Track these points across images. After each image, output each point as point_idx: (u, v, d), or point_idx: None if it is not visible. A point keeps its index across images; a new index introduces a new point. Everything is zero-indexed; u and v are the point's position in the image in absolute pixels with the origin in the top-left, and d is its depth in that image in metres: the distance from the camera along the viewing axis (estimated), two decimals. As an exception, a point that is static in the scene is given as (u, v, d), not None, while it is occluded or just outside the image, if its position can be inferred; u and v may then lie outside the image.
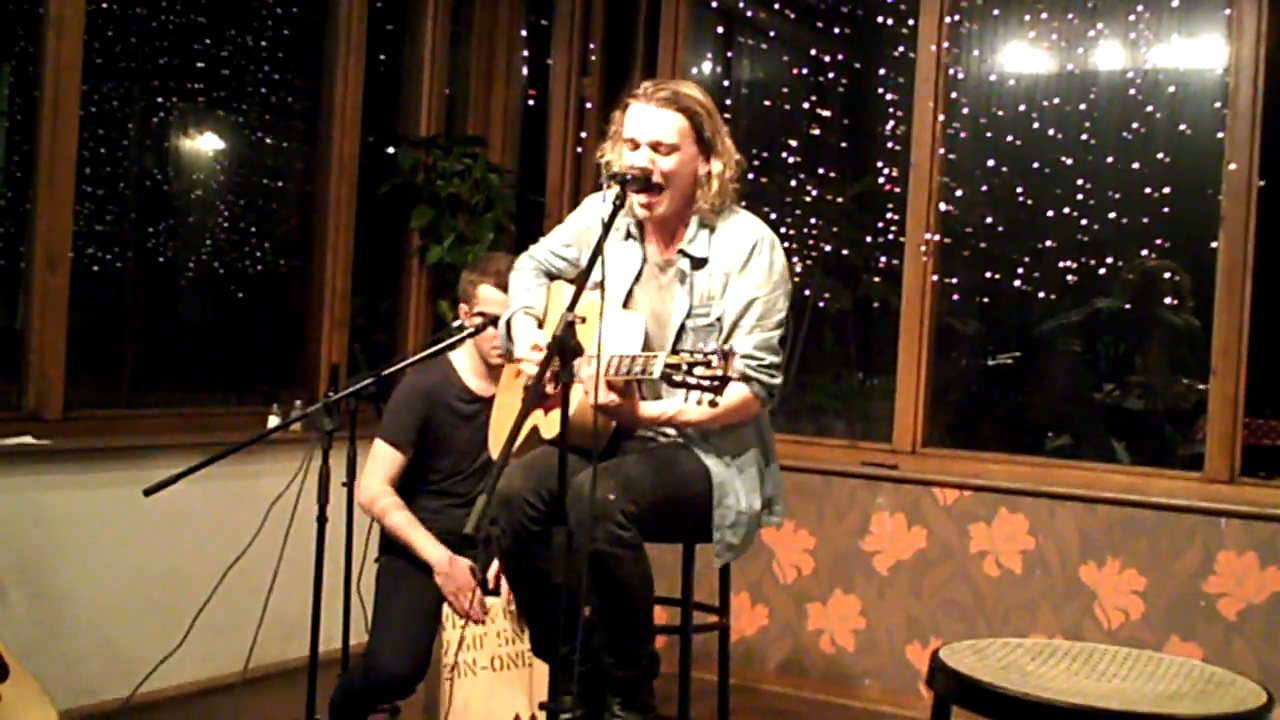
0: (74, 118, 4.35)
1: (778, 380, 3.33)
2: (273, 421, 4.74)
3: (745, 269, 3.33)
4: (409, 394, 4.10)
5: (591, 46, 5.83)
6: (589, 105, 5.83)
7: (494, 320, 3.89)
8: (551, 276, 3.65)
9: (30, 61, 4.36)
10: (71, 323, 4.35)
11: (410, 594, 3.97)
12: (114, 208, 4.85)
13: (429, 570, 3.96)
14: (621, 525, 3.12)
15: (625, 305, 3.44)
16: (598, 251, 3.06)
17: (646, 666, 3.34)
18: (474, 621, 3.89)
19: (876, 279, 5.65)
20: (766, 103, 6.25)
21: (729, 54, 6.18)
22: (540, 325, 3.52)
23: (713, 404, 2.94)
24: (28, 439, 4.14)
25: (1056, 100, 5.33)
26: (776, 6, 6.09)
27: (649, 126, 3.31)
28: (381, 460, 4.06)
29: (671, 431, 3.41)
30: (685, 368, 2.88)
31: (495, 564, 3.86)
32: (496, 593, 3.92)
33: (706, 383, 2.87)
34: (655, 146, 3.30)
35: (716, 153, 3.36)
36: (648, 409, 3.30)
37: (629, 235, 3.48)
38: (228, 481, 4.37)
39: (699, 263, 3.38)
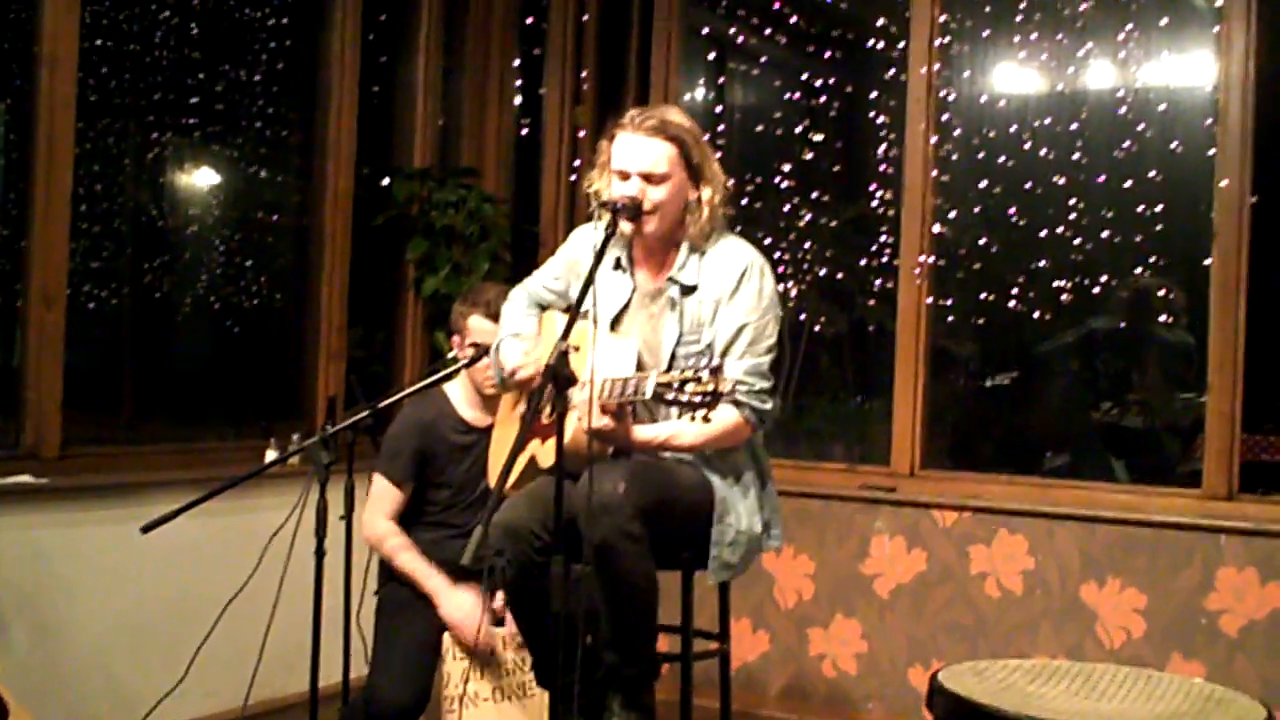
0: (69, 155, 4.36)
1: (769, 405, 3.35)
2: (270, 455, 4.74)
3: (735, 295, 3.34)
4: (405, 428, 4.11)
5: (584, 75, 5.85)
6: (582, 134, 5.84)
7: (487, 350, 3.91)
8: (543, 308, 3.67)
9: (25, 99, 4.37)
10: (68, 360, 4.36)
11: (410, 625, 3.97)
12: (110, 244, 4.85)
13: (429, 601, 3.97)
14: (630, 516, 3.12)
15: (615, 333, 3.46)
16: (590, 280, 3.08)
17: (649, 666, 3.33)
18: (481, 650, 3.89)
19: (871, 302, 5.65)
20: (759, 128, 6.27)
21: (721, 80, 6.20)
22: None
23: (705, 419, 2.96)
24: (26, 477, 4.15)
25: (1048, 120, 5.35)
26: (768, 32, 6.11)
27: (639, 157, 3.32)
28: (383, 497, 4.06)
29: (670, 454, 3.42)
30: (677, 385, 2.92)
31: (501, 596, 3.86)
32: (503, 624, 3.92)
33: (698, 399, 2.90)
34: (647, 177, 3.32)
35: (705, 179, 3.38)
36: (642, 432, 3.32)
37: (618, 265, 3.49)
38: (226, 516, 4.36)
39: (689, 289, 3.39)
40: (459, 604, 3.93)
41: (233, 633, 3.92)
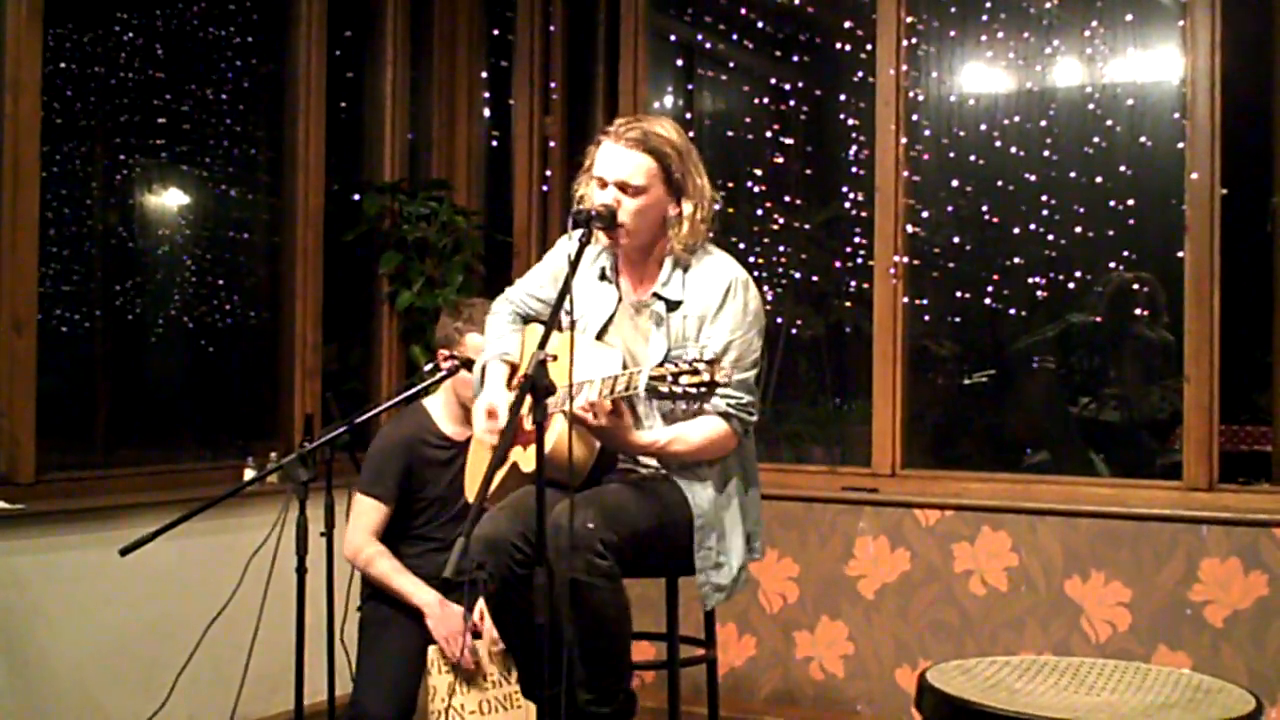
0: (35, 179, 4.33)
1: (755, 417, 3.39)
2: (248, 474, 4.71)
3: (720, 313, 3.35)
4: (388, 446, 4.09)
5: (553, 85, 5.85)
6: (552, 144, 5.84)
7: (467, 364, 3.89)
8: (527, 319, 3.66)
9: (-12, 125, 4.34)
10: (41, 385, 4.33)
11: (394, 641, 3.95)
12: (80, 267, 4.82)
13: (412, 616, 3.94)
14: (600, 555, 3.12)
15: (600, 342, 3.45)
16: (565, 289, 3.08)
17: (624, 703, 3.32)
18: (465, 666, 3.87)
19: (848, 304, 5.65)
20: (729, 133, 6.26)
21: (690, 87, 6.20)
22: (515, 370, 3.53)
23: (699, 412, 3.04)
24: (0, 504, 4.11)
25: (1017, 118, 5.35)
26: (735, 37, 6.11)
27: (617, 167, 3.32)
28: (364, 514, 4.04)
29: (653, 464, 3.41)
30: (671, 378, 2.92)
31: (479, 608, 3.84)
32: (479, 635, 3.90)
33: (694, 390, 2.90)
34: (623, 188, 3.32)
35: (687, 194, 3.38)
36: (642, 436, 3.31)
37: (603, 276, 3.50)
38: (205, 537, 4.34)
39: (673, 305, 3.39)
40: (445, 618, 3.90)
41: (215, 654, 3.90)
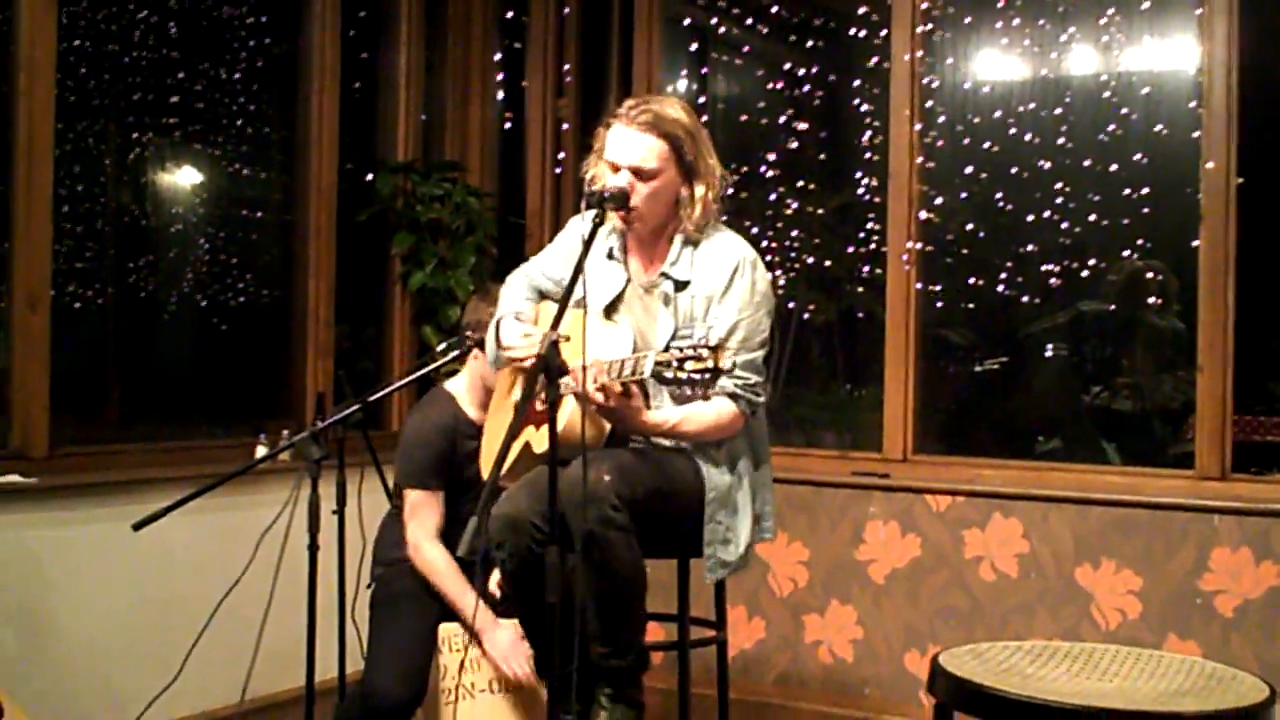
0: (49, 157, 4.33)
1: (763, 398, 3.41)
2: (260, 452, 4.72)
3: (727, 293, 3.35)
4: (426, 434, 4.05)
5: (566, 68, 5.84)
6: (566, 126, 5.83)
7: (482, 344, 3.89)
8: (541, 294, 3.67)
9: (3, 103, 4.34)
10: (55, 361, 4.33)
11: (405, 619, 3.95)
12: (93, 245, 4.82)
13: (424, 593, 3.95)
14: (615, 507, 3.13)
15: (609, 322, 3.46)
16: (578, 269, 3.08)
17: (637, 658, 3.33)
18: (526, 686, 3.87)
19: (860, 289, 5.65)
20: (743, 118, 6.25)
21: (704, 71, 6.19)
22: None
23: (705, 397, 3.08)
24: (14, 478, 4.11)
25: (1032, 105, 5.34)
26: (749, 22, 6.10)
27: (630, 151, 3.32)
28: (423, 510, 4.01)
29: (666, 444, 3.42)
30: (676, 363, 2.92)
31: (494, 579, 3.84)
32: (499, 610, 3.89)
33: (698, 376, 2.90)
34: (637, 172, 3.32)
35: (699, 175, 3.39)
36: (652, 416, 3.31)
37: (611, 256, 3.50)
38: (217, 513, 4.35)
39: (681, 285, 3.40)
40: (501, 642, 3.89)
41: (227, 630, 3.91)
